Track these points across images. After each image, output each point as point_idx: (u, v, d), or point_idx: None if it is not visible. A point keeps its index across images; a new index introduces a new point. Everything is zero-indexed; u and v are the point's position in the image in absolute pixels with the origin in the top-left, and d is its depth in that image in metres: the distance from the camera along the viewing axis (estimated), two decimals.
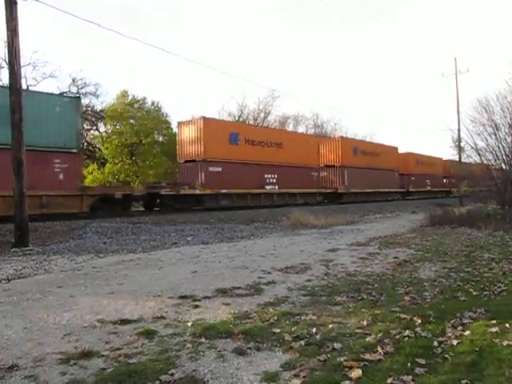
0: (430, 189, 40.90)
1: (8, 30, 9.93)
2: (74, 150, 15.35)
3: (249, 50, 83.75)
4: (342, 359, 3.11)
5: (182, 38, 77.72)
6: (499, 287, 5.31)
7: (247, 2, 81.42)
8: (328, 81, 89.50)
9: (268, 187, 23.77)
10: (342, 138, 32.74)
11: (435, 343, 3.43)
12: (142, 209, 20.95)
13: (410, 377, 2.81)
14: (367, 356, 3.15)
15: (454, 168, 34.83)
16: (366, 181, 30.69)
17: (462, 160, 30.04)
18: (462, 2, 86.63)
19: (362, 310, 4.41)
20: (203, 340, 3.57)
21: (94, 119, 35.25)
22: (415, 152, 40.31)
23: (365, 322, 3.95)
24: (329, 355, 3.20)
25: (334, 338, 3.57)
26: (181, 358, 3.19)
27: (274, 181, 24.04)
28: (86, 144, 33.35)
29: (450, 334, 3.65)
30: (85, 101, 33.40)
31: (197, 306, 4.63)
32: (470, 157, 19.36)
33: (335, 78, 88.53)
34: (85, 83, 33.82)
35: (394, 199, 34.21)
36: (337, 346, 3.37)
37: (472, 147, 17.59)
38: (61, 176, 14.80)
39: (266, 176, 23.55)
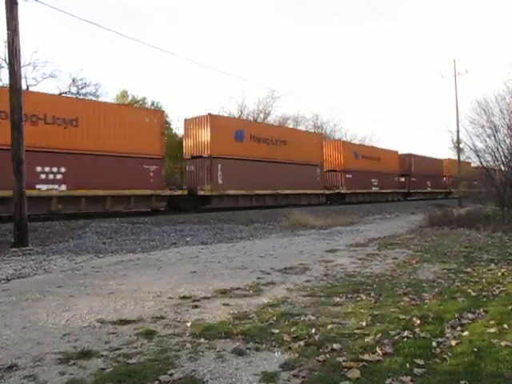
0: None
1: (8, 29, 9.93)
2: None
3: (248, 50, 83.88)
4: (340, 360, 3.11)
5: (182, 38, 77.82)
6: (498, 288, 5.33)
7: (247, 2, 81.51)
8: (328, 81, 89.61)
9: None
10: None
11: (434, 344, 3.44)
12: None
13: (409, 377, 2.82)
14: (366, 356, 3.15)
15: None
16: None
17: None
18: (462, 3, 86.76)
19: (361, 310, 4.42)
20: (202, 340, 3.57)
21: None
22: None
23: (364, 323, 3.96)
24: (328, 356, 3.20)
25: (333, 338, 3.58)
26: (180, 358, 3.20)
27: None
28: None
29: (448, 335, 3.65)
30: None
31: (196, 307, 4.64)
32: (469, 158, 19.43)
33: (335, 78, 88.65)
34: (85, 83, 33.88)
35: (395, 200, 34.36)
36: (336, 346, 3.37)
37: (471, 148, 17.66)
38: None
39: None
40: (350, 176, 29.82)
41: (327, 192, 27.83)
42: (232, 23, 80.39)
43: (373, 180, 32.65)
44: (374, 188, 32.85)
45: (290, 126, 49.63)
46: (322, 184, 27.33)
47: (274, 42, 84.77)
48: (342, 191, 29.06)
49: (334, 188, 28.84)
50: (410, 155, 38.57)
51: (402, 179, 37.25)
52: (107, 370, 2.98)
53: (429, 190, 40.78)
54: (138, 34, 73.06)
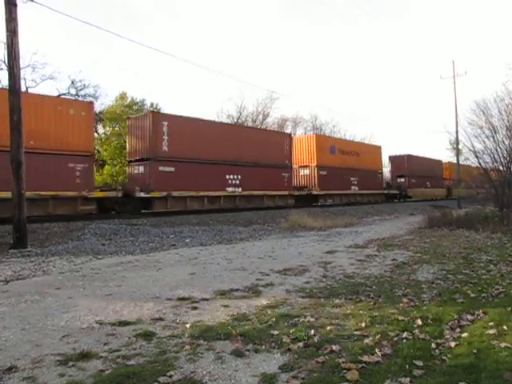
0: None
1: (7, 31, 9.94)
2: None
3: (247, 51, 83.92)
4: (340, 361, 3.11)
5: (181, 39, 77.83)
6: (497, 289, 5.34)
7: (246, 4, 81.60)
8: (326, 82, 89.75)
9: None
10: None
11: (433, 345, 3.44)
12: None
13: (408, 379, 2.82)
14: (365, 358, 3.16)
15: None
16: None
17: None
18: (460, 4, 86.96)
19: (360, 311, 4.42)
20: (202, 342, 3.57)
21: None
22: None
23: (363, 324, 3.96)
24: (327, 357, 3.20)
25: (333, 339, 3.58)
26: (179, 360, 3.19)
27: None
28: None
29: (447, 336, 3.66)
30: None
31: (195, 308, 4.63)
32: (468, 159, 19.47)
33: (333, 79, 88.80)
34: (84, 85, 33.84)
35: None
36: (335, 347, 3.37)
37: (470, 149, 17.70)
38: None
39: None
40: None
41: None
42: (230, 25, 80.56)
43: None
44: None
45: (289, 128, 49.67)
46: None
47: (273, 43, 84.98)
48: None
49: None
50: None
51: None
52: (106, 372, 2.98)
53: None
54: (137, 35, 73.18)
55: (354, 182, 30.14)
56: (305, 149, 27.40)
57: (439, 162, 43.62)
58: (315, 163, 26.92)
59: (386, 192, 34.70)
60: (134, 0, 73.32)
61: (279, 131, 35.26)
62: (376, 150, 34.51)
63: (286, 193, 24.61)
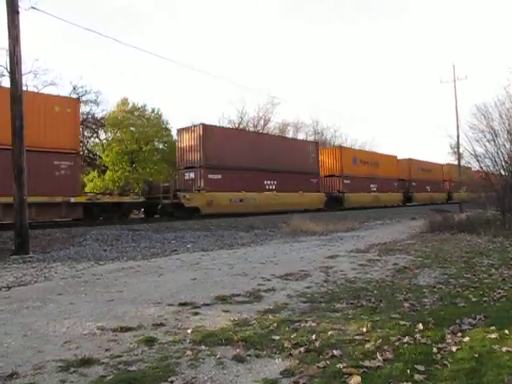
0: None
1: (10, 37, 10.02)
2: None
3: (248, 55, 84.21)
4: (341, 366, 3.11)
5: (182, 41, 78.17)
6: (499, 293, 5.32)
7: (245, 7, 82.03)
8: (327, 87, 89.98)
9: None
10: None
11: (435, 350, 3.43)
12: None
13: (410, 383, 2.82)
14: (366, 363, 3.15)
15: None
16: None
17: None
18: (461, 8, 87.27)
19: (362, 316, 4.42)
20: (203, 347, 3.57)
21: (94, 127, 35.37)
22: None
23: (364, 329, 3.95)
24: (328, 362, 3.20)
25: (334, 344, 3.58)
26: (181, 366, 3.19)
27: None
28: (86, 151, 33.46)
29: (449, 341, 3.65)
30: (85, 108, 33.64)
31: (197, 313, 4.63)
32: (469, 163, 19.45)
33: (335, 84, 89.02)
34: (85, 91, 34.05)
35: (395, 206, 34.44)
36: (336, 352, 3.37)
37: (471, 153, 17.67)
38: None
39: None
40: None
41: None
42: (230, 27, 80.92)
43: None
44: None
45: (290, 133, 49.76)
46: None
47: (272, 46, 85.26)
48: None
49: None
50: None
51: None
52: (108, 378, 2.98)
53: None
54: (137, 35, 73.39)
55: (374, 189, 33.56)
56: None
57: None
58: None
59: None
60: (134, 1, 73.75)
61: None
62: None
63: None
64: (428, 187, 40.80)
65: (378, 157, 35.51)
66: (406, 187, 37.67)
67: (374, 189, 33.43)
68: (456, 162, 30.50)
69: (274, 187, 23.94)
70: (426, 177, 40.22)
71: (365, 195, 31.94)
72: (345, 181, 30.25)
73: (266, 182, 23.58)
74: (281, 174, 24.34)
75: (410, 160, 39.00)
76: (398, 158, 37.95)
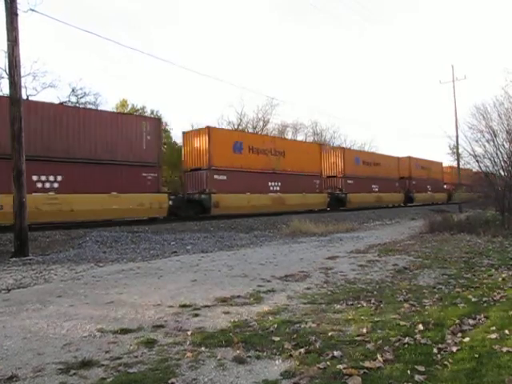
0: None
1: (9, 40, 10.01)
2: None
3: (247, 57, 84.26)
4: (341, 367, 3.11)
5: (182, 43, 78.24)
6: (498, 293, 5.33)
7: (244, 10, 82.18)
8: (326, 88, 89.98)
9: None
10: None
11: (435, 350, 3.43)
12: None
13: None
14: (367, 363, 3.15)
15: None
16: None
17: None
18: (459, 9, 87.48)
19: (362, 317, 4.42)
20: (203, 349, 3.57)
21: None
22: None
23: (364, 330, 3.95)
24: (328, 363, 3.20)
25: (334, 345, 3.58)
26: (181, 367, 3.19)
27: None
28: None
29: (449, 341, 3.65)
30: None
31: (197, 315, 4.63)
32: (468, 163, 19.47)
33: (333, 85, 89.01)
34: (84, 93, 34.01)
35: (395, 206, 34.49)
36: (336, 353, 3.37)
37: (470, 154, 17.70)
38: None
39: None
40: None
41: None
42: (229, 30, 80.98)
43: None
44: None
45: (289, 134, 49.83)
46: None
47: (272, 49, 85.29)
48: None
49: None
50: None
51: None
52: (108, 380, 2.98)
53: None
54: (138, 42, 73.57)
55: (375, 189, 33.50)
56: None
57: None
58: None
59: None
60: (133, 3, 73.84)
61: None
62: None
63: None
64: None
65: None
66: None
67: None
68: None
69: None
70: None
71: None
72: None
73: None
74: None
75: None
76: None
